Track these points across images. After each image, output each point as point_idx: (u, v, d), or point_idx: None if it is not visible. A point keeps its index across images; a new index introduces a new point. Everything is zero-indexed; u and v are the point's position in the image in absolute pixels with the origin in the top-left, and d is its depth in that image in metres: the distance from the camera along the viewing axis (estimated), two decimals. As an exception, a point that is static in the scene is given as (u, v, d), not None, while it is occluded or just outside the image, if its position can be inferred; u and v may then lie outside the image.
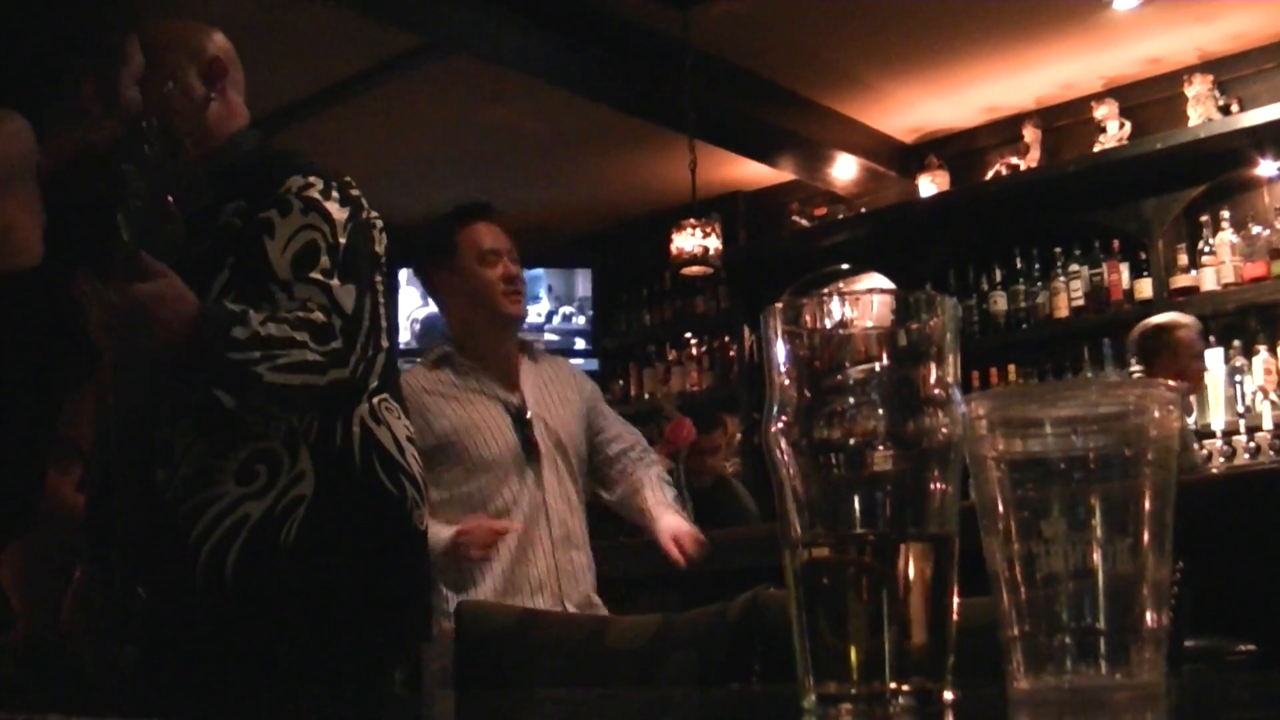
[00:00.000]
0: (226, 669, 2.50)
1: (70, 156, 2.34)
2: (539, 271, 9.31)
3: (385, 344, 2.69)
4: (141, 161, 2.50)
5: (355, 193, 2.70)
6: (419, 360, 4.22)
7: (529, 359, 4.17)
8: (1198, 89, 7.10)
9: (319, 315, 2.47)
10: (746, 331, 8.41)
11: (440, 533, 3.73)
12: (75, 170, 2.40)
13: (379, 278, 2.70)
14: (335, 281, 2.52)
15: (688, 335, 9.18)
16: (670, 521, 4.02)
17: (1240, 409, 6.60)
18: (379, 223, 2.75)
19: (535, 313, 9.27)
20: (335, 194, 2.62)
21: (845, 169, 8.23)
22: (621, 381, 9.49)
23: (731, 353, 8.76)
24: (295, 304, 2.48)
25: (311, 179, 2.61)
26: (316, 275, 2.52)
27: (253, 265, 2.53)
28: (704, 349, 9.06)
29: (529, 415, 4.00)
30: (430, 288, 4.30)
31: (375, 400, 2.65)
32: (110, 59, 2.48)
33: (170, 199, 2.49)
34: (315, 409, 2.55)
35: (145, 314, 2.33)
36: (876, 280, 4.34)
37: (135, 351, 2.50)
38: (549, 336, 9.30)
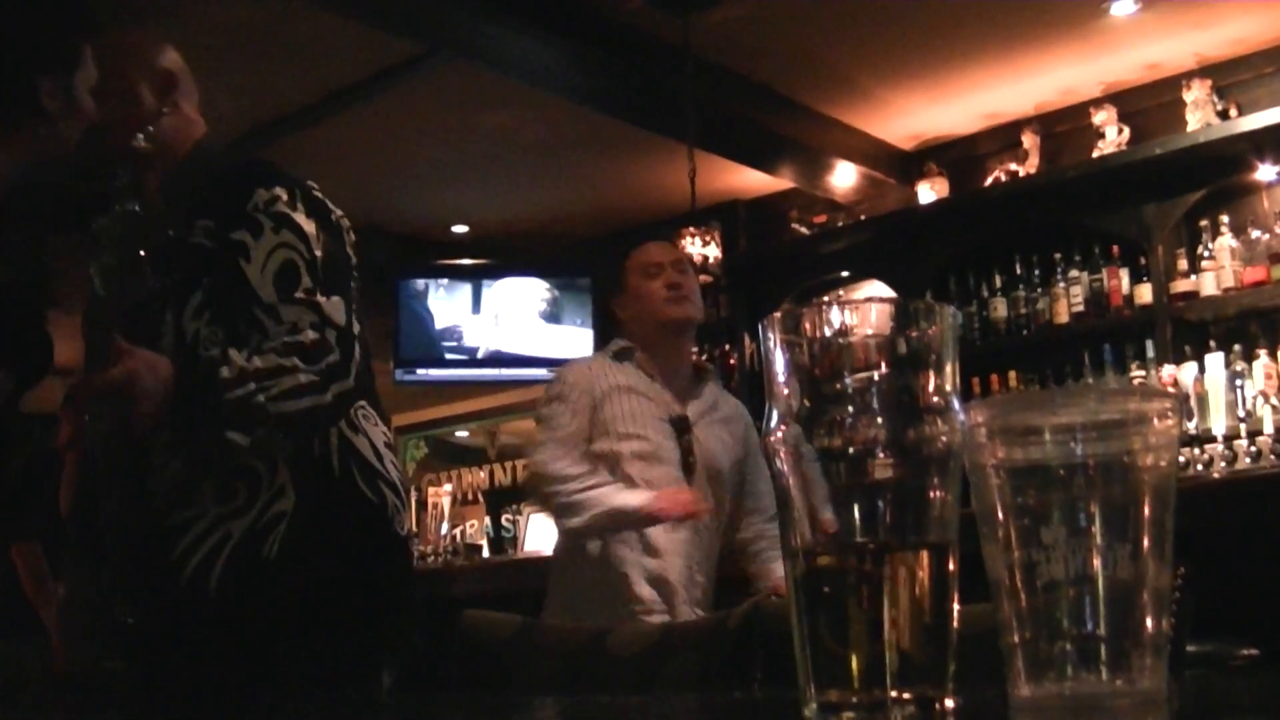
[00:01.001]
0: (213, 682, 2.50)
1: (28, 156, 2.34)
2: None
3: (360, 348, 2.68)
4: (114, 216, 2.50)
5: (318, 196, 2.69)
6: (600, 351, 4.47)
7: (703, 381, 4.33)
8: (1196, 94, 7.10)
9: (309, 334, 2.47)
10: (747, 339, 8.41)
11: (629, 496, 3.94)
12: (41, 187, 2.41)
13: (353, 281, 2.69)
14: (322, 298, 2.52)
15: (688, 343, 9.17)
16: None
17: (1241, 413, 6.59)
18: (346, 222, 2.74)
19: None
20: (300, 204, 2.61)
21: (845, 176, 8.23)
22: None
23: (732, 360, 8.75)
24: (283, 328, 2.47)
25: (276, 190, 2.59)
26: (301, 294, 2.51)
27: (232, 290, 2.53)
28: (705, 357, 9.05)
29: (689, 421, 4.17)
30: (612, 317, 4.48)
31: (352, 409, 2.65)
32: (66, 61, 2.49)
33: (142, 254, 2.49)
34: (331, 425, 2.56)
35: (127, 393, 2.33)
36: (876, 288, 4.40)
37: (126, 427, 2.48)
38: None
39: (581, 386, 4.13)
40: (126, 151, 2.62)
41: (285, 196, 2.59)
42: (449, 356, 9.41)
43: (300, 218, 2.58)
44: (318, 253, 2.56)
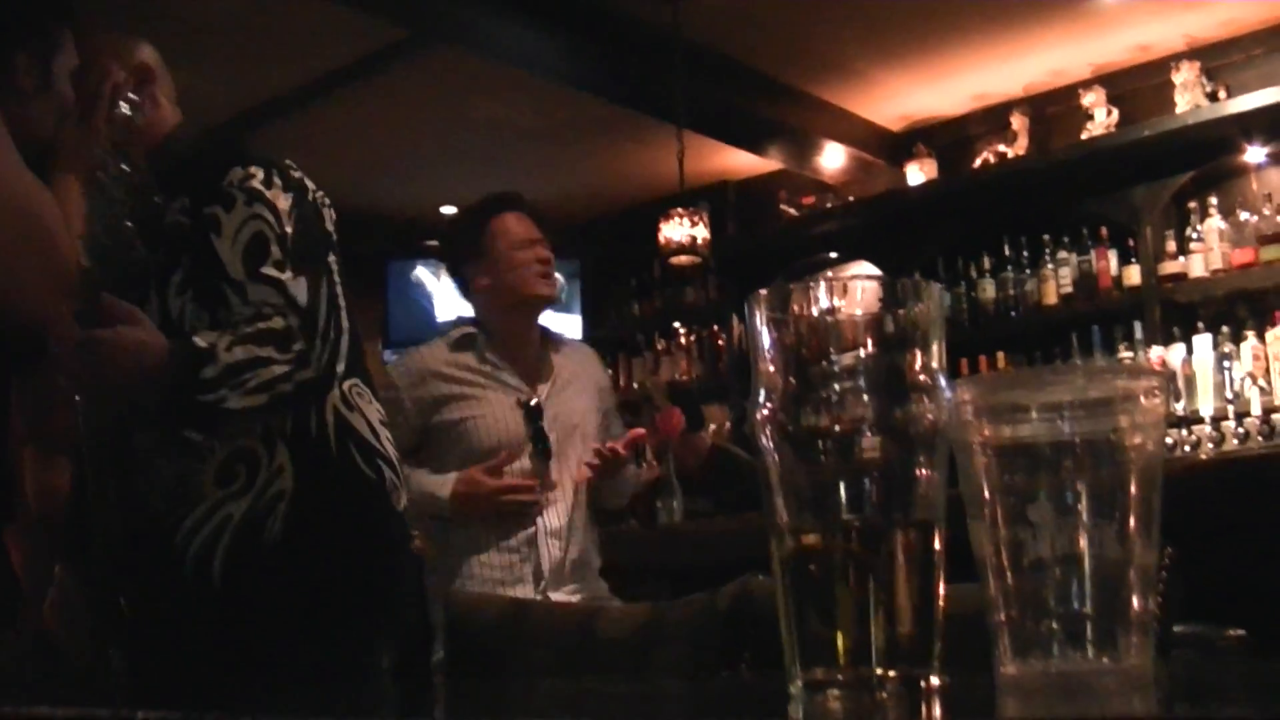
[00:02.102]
0: (216, 665, 2.50)
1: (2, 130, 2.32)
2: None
3: (346, 325, 2.67)
4: (102, 189, 2.49)
5: (297, 175, 2.69)
6: (440, 337, 4.29)
7: (554, 350, 4.24)
8: (1185, 76, 7.10)
9: (277, 321, 2.46)
10: (735, 321, 8.41)
11: (437, 484, 3.85)
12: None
13: (333, 257, 2.69)
14: (288, 275, 2.52)
15: (677, 325, 9.17)
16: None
17: (1229, 395, 6.60)
18: (326, 200, 2.73)
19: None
20: (277, 180, 2.62)
21: (834, 158, 8.23)
22: (610, 372, 9.47)
23: (721, 342, 8.75)
24: (250, 309, 2.47)
25: (252, 169, 2.60)
26: (269, 271, 2.51)
27: (205, 265, 2.53)
28: (693, 338, 9.05)
29: (541, 408, 4.05)
30: (461, 282, 4.33)
31: (346, 386, 2.65)
32: (43, 40, 2.48)
33: (129, 225, 2.48)
34: (285, 411, 2.55)
35: (103, 360, 2.32)
36: (865, 268, 4.37)
37: (93, 393, 2.48)
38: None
39: (411, 392, 4.06)
40: (109, 120, 2.62)
41: (261, 175, 2.60)
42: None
43: (274, 194, 2.58)
44: (288, 229, 2.56)
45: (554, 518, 4.03)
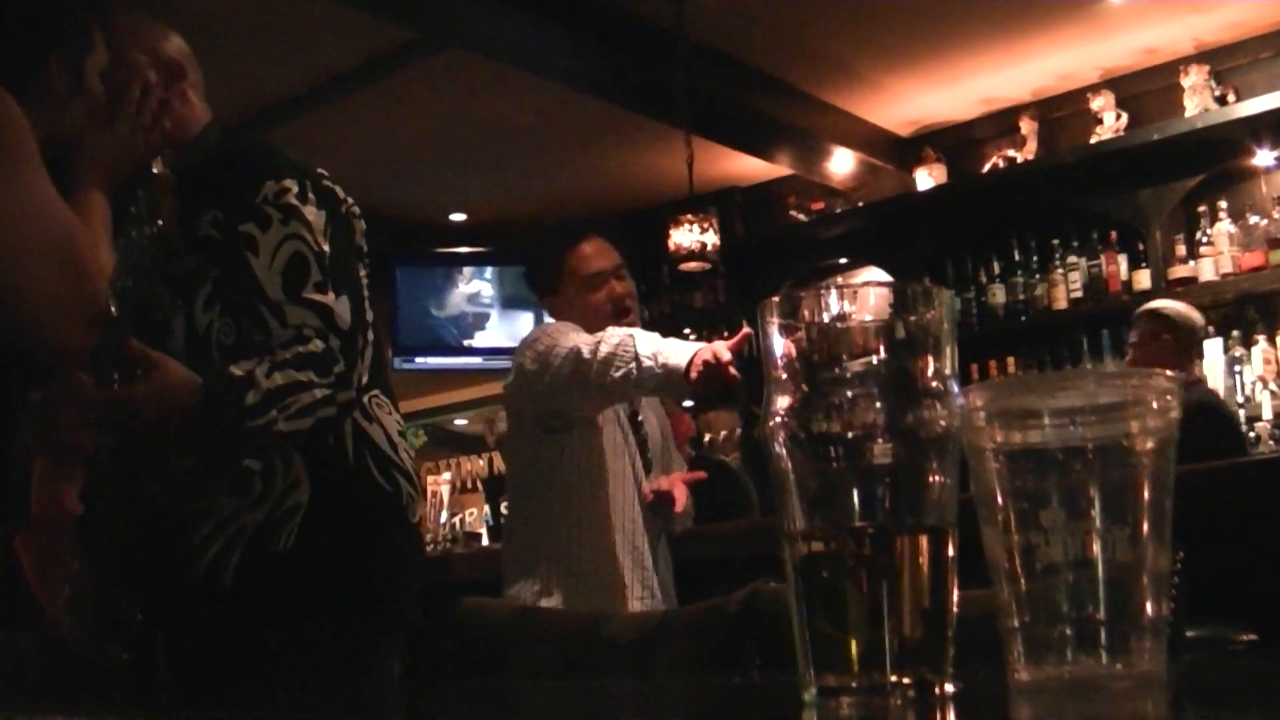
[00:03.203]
0: (227, 671, 2.49)
1: (39, 136, 2.32)
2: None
3: (371, 337, 2.66)
4: (132, 241, 2.49)
5: (329, 185, 2.65)
6: None
7: None
8: (1194, 79, 7.10)
9: (316, 344, 2.43)
10: (745, 325, 8.40)
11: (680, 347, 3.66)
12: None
13: (363, 271, 2.67)
14: (330, 297, 2.48)
15: (686, 330, 9.16)
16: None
17: (1240, 399, 6.60)
18: (356, 210, 2.71)
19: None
20: (312, 194, 2.57)
21: (842, 162, 8.23)
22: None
23: (730, 347, 8.74)
24: (289, 331, 2.43)
25: (286, 183, 2.55)
26: (311, 295, 2.47)
27: (240, 283, 2.49)
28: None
29: (639, 416, 4.15)
30: (547, 308, 4.32)
31: (366, 397, 2.63)
32: (75, 40, 2.47)
33: (158, 265, 2.48)
34: (328, 434, 2.54)
35: (137, 414, 2.31)
36: (874, 274, 4.38)
37: (129, 443, 2.47)
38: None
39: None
40: (146, 172, 2.61)
41: (295, 189, 2.54)
42: (447, 344, 9.41)
43: (309, 210, 2.54)
44: (325, 246, 2.53)
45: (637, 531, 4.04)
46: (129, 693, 2.52)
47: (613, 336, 3.69)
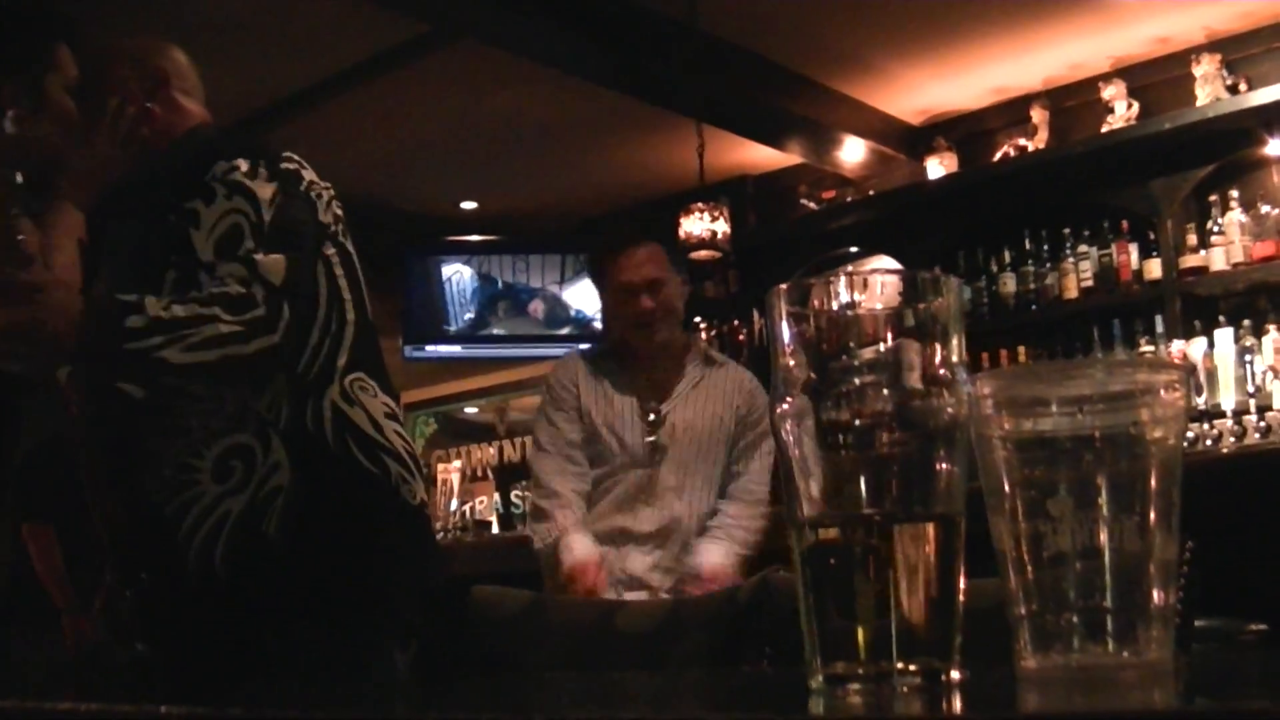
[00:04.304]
0: (225, 661, 2.50)
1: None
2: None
3: (353, 317, 2.65)
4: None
5: (290, 166, 2.64)
6: (591, 346, 4.70)
7: (703, 364, 4.43)
8: (1206, 68, 7.07)
9: (236, 288, 2.42)
10: (756, 315, 8.40)
11: (566, 557, 4.10)
12: None
13: (333, 250, 2.67)
14: (259, 255, 2.47)
15: (697, 319, 9.17)
16: (705, 560, 4.20)
17: (1250, 389, 6.58)
18: (328, 193, 2.70)
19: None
20: (263, 170, 2.56)
21: (853, 152, 8.22)
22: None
23: (741, 336, 8.74)
24: (214, 282, 2.44)
25: (237, 161, 2.55)
26: (240, 253, 2.47)
27: (186, 259, 2.50)
28: (713, 333, 9.04)
29: (663, 417, 4.28)
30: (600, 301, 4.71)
31: (348, 380, 2.62)
32: (32, 62, 2.50)
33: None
34: (250, 379, 2.53)
35: (30, 333, 2.35)
36: (884, 263, 4.42)
37: (34, 367, 2.49)
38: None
39: (568, 387, 4.35)
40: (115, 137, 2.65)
41: (245, 166, 2.54)
42: (458, 333, 9.42)
43: (257, 184, 2.53)
44: (267, 215, 2.52)
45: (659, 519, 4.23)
46: (137, 683, 2.53)
47: (550, 533, 4.19)
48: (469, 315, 9.42)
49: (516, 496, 9.05)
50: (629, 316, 4.28)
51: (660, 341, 4.31)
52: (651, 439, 4.24)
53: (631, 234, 4.44)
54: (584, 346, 4.63)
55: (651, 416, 4.26)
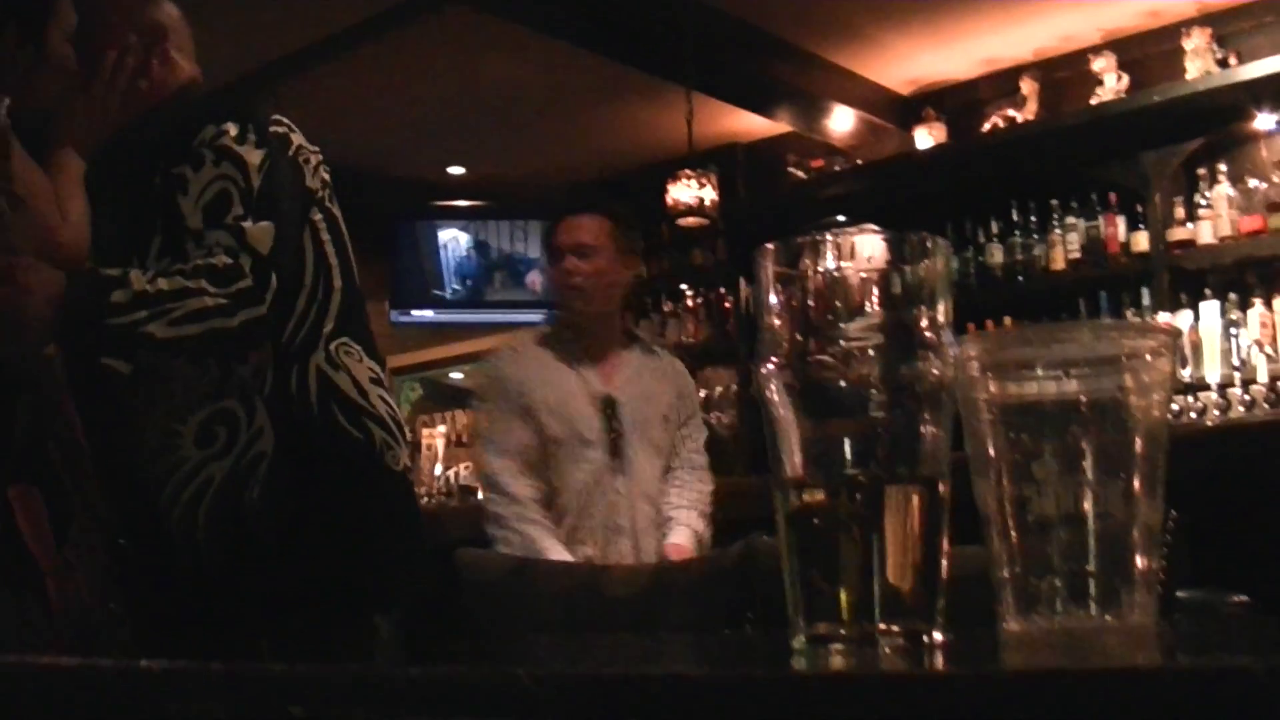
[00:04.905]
0: (205, 626, 2.49)
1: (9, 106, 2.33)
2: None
3: (339, 283, 2.64)
4: None
5: (280, 130, 2.62)
6: (534, 327, 4.51)
7: (638, 351, 4.37)
8: (1196, 42, 7.07)
9: (222, 259, 2.39)
10: (743, 283, 8.40)
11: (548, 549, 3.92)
12: None
13: (320, 215, 2.66)
14: (247, 223, 2.45)
15: (684, 287, 9.17)
16: (676, 539, 4.15)
17: (1235, 362, 6.60)
18: (316, 157, 2.68)
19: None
20: (251, 135, 2.53)
21: (843, 121, 8.21)
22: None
23: (728, 304, 8.74)
24: (201, 251, 2.42)
25: (226, 125, 2.52)
26: (228, 220, 2.45)
27: (171, 222, 2.48)
28: (700, 301, 9.04)
29: (617, 400, 4.18)
30: None
31: (333, 346, 2.61)
32: (34, 9, 2.47)
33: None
34: (237, 351, 2.52)
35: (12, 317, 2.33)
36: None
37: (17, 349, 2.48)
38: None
39: (506, 384, 4.22)
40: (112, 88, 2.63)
41: (234, 131, 2.51)
42: (444, 298, 9.41)
43: (246, 149, 2.50)
44: (256, 182, 2.50)
45: (620, 515, 4.13)
46: (120, 644, 2.53)
47: (506, 531, 4.10)
48: (455, 281, 9.40)
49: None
50: (554, 279, 4.27)
51: (593, 314, 4.23)
52: (611, 433, 4.15)
53: (587, 203, 4.40)
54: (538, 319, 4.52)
55: (602, 401, 4.17)
